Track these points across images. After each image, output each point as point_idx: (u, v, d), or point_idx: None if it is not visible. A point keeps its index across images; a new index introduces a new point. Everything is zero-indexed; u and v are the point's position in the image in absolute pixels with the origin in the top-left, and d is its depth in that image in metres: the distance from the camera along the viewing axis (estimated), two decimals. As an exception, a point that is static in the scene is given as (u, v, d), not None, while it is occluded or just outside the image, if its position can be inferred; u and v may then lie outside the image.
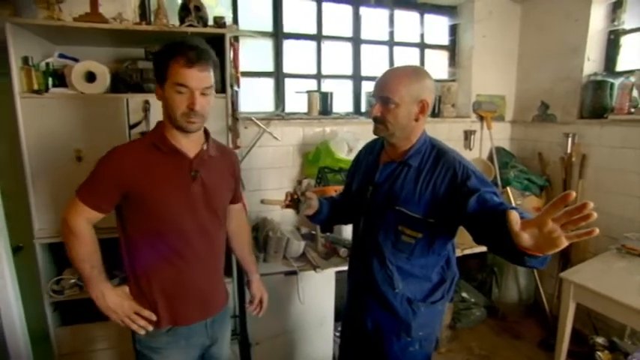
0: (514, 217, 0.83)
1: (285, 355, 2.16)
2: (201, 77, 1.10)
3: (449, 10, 2.99)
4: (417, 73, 1.23)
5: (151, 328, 1.20)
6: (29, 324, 1.72)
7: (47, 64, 1.73)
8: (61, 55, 1.83)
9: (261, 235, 2.17)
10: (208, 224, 1.24)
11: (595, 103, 2.47)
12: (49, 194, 1.72)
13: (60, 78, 1.75)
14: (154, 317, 1.20)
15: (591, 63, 2.54)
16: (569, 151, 2.60)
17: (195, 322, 1.26)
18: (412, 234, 1.25)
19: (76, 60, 1.82)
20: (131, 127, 1.75)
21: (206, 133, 1.27)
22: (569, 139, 2.58)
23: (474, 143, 2.95)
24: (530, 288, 2.83)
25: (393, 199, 1.26)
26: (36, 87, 1.65)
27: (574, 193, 0.80)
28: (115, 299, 1.18)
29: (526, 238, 0.83)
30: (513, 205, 2.47)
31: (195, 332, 1.27)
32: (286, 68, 2.62)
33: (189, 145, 1.20)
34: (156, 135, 1.19)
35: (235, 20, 2.44)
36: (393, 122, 1.21)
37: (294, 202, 1.39)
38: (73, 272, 1.88)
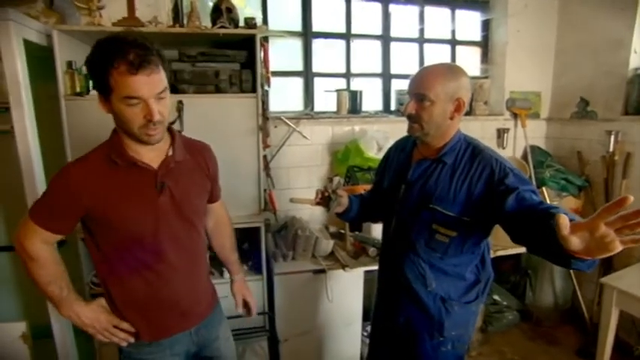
0: (563, 221, 0.78)
1: (313, 353, 2.17)
2: (152, 82, 0.94)
3: (481, 5, 2.90)
4: (453, 70, 1.21)
5: (132, 339, 1.14)
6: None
7: (88, 68, 1.81)
8: (101, 59, 1.91)
9: (290, 234, 2.19)
10: (182, 234, 1.14)
11: (641, 99, 2.33)
12: (90, 192, 1.80)
13: (100, 81, 1.83)
14: (132, 329, 1.14)
15: (638, 56, 2.39)
16: (611, 149, 2.46)
17: (176, 333, 1.19)
18: (446, 232, 1.23)
19: (114, 63, 1.89)
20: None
21: (172, 134, 1.14)
22: (612, 137, 2.45)
23: (507, 142, 2.85)
24: (567, 292, 2.70)
25: (426, 197, 1.24)
26: (78, 89, 1.73)
27: (632, 198, 0.75)
28: (90, 315, 1.11)
29: (576, 242, 0.79)
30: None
31: (179, 341, 1.20)
32: (315, 67, 2.62)
33: (151, 154, 1.07)
34: (112, 147, 1.05)
35: (265, 20, 2.47)
36: (428, 120, 1.19)
37: (324, 199, 1.39)
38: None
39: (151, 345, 1.16)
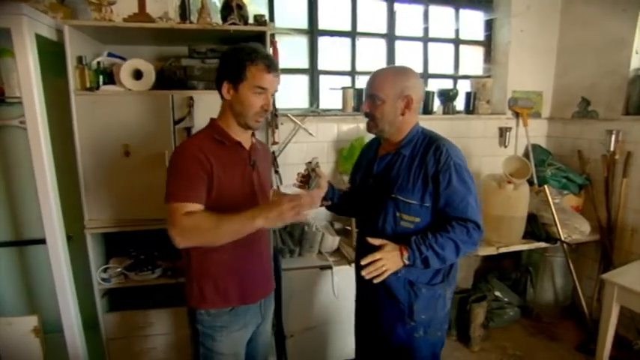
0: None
1: (319, 348, 2.19)
2: (276, 82, 1.25)
3: (485, 5, 2.92)
4: (401, 72, 1.34)
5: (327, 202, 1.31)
6: (81, 309, 1.82)
7: (98, 63, 1.82)
8: (110, 54, 1.91)
9: (297, 230, 2.21)
10: None
11: (643, 99, 2.37)
12: (100, 187, 1.81)
13: (109, 76, 1.84)
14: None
15: (639, 56, 2.43)
16: (612, 148, 2.50)
17: (260, 299, 1.37)
18: (410, 219, 1.34)
19: (123, 59, 1.90)
20: (176, 122, 1.81)
21: None
22: (613, 136, 2.48)
23: (509, 140, 2.88)
24: (567, 289, 2.74)
25: (389, 187, 1.35)
26: (88, 85, 1.74)
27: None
28: (269, 206, 1.10)
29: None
30: (552, 201, 2.41)
31: (252, 311, 1.36)
32: (321, 65, 2.64)
33: (244, 138, 1.31)
34: (214, 131, 1.26)
35: (271, 18, 2.48)
36: (381, 118, 1.33)
37: (305, 178, 1.48)
38: (120, 261, 1.98)
39: (230, 313, 1.30)
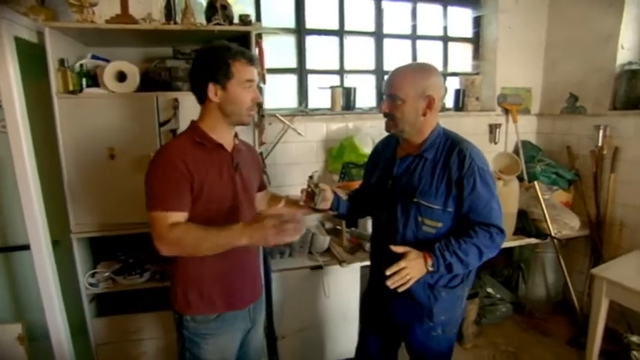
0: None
1: (310, 349, 2.19)
2: (257, 73, 1.25)
3: (472, 2, 2.92)
4: (422, 69, 1.29)
5: (303, 230, 1.14)
6: (68, 315, 1.80)
7: (81, 66, 1.79)
8: (94, 57, 1.89)
9: (287, 231, 2.19)
10: (246, 211, 1.32)
11: (629, 94, 2.38)
12: (85, 191, 1.79)
13: (93, 78, 1.82)
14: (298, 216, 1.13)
15: (625, 51, 2.44)
16: (600, 143, 2.51)
17: (247, 305, 1.34)
18: (432, 224, 1.31)
19: (107, 61, 1.88)
20: (161, 124, 1.79)
21: None
22: (601, 132, 2.49)
23: (499, 137, 2.89)
24: (558, 284, 2.76)
25: (411, 191, 1.31)
26: (71, 88, 1.71)
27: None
28: (255, 226, 1.09)
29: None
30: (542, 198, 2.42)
31: (240, 317, 1.34)
32: (309, 64, 2.62)
33: (227, 139, 1.28)
34: (197, 133, 1.24)
35: (258, 17, 2.46)
36: (401, 118, 1.27)
37: (309, 195, 1.44)
38: (108, 266, 1.96)
39: (216, 320, 1.27)
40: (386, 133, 1.52)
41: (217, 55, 1.19)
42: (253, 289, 1.40)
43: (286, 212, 1.47)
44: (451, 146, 1.29)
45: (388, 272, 1.20)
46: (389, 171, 1.40)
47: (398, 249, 1.24)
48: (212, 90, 1.19)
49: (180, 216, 1.14)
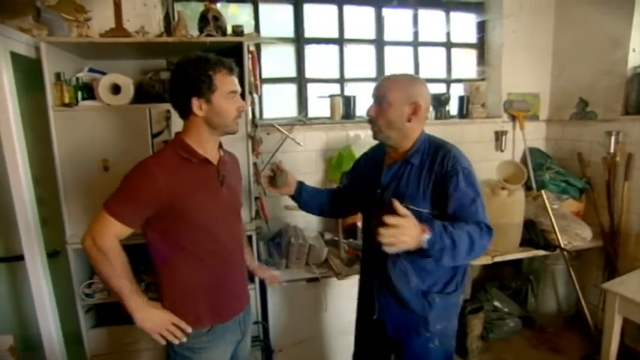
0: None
1: (308, 363, 2.14)
2: (237, 83, 1.24)
3: (476, 7, 2.87)
4: (410, 78, 1.36)
5: (184, 339, 1.21)
6: (63, 326, 1.80)
7: (77, 79, 1.82)
8: (91, 70, 1.92)
9: (284, 242, 2.17)
10: (233, 223, 1.33)
11: (642, 98, 2.28)
12: (80, 202, 1.80)
13: (89, 91, 1.84)
14: (189, 329, 1.21)
15: (637, 54, 2.34)
16: (612, 150, 2.40)
17: (234, 317, 1.33)
18: None
19: (103, 73, 1.90)
20: (154, 136, 1.80)
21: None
22: (613, 138, 2.39)
23: (505, 144, 2.80)
24: (570, 298, 2.63)
25: (399, 197, 1.28)
26: (67, 100, 1.73)
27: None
28: (154, 312, 1.19)
29: None
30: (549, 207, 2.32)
31: (231, 329, 1.33)
32: (308, 73, 2.61)
33: (212, 152, 1.27)
34: (179, 147, 1.22)
35: (257, 27, 2.47)
36: (386, 122, 1.30)
37: (272, 178, 1.52)
38: (103, 277, 1.96)
39: (207, 334, 1.26)
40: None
41: (197, 68, 1.17)
42: (240, 299, 1.39)
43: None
44: (435, 150, 1.32)
45: (387, 221, 1.07)
46: (377, 180, 1.40)
47: (399, 208, 1.12)
48: (196, 104, 1.17)
49: (125, 230, 1.16)
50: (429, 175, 1.29)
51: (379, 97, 1.31)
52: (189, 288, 1.24)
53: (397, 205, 1.13)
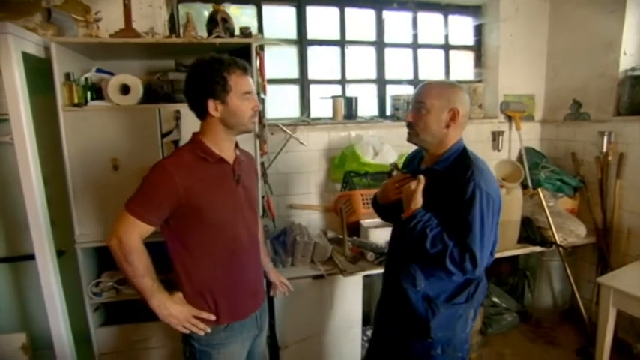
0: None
1: (313, 358, 2.17)
2: (252, 82, 1.27)
3: (473, 10, 2.94)
4: (451, 85, 1.34)
5: (209, 329, 1.25)
6: (72, 324, 1.81)
7: (86, 79, 1.83)
8: (99, 70, 1.93)
9: (289, 240, 2.20)
10: (250, 222, 1.35)
11: (633, 99, 2.36)
12: (89, 202, 1.82)
13: (98, 91, 1.85)
14: (212, 317, 1.26)
15: (628, 57, 2.43)
16: (605, 150, 2.49)
17: (250, 314, 1.36)
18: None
19: (112, 74, 1.92)
20: (163, 135, 1.82)
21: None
22: (605, 138, 2.47)
23: (502, 144, 2.88)
24: (565, 293, 2.72)
25: (426, 202, 1.29)
26: (76, 100, 1.75)
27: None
28: (176, 307, 1.22)
29: None
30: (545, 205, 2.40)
31: (248, 325, 1.36)
32: (311, 74, 2.65)
33: (229, 152, 1.30)
34: (197, 147, 1.25)
35: (260, 29, 2.50)
36: (424, 127, 1.29)
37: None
38: (112, 275, 1.97)
39: (225, 330, 1.29)
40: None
41: (212, 69, 1.19)
42: (256, 295, 1.41)
43: None
44: (462, 162, 1.27)
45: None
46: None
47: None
48: (212, 106, 1.20)
49: (148, 229, 1.18)
50: (449, 186, 1.25)
51: (418, 103, 1.31)
52: (206, 285, 1.27)
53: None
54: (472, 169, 1.23)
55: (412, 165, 1.51)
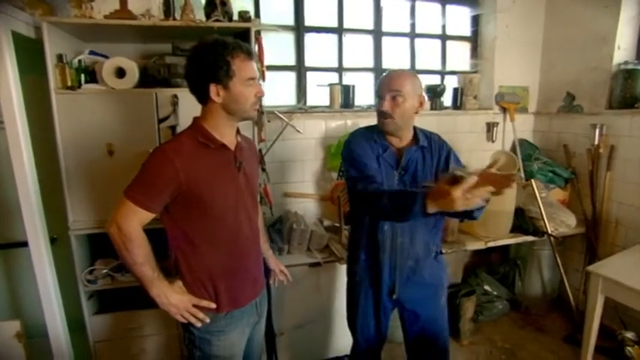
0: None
1: (309, 346, 2.20)
2: (256, 68, 1.22)
3: (471, 1, 2.93)
4: (414, 74, 1.47)
5: (208, 320, 1.24)
6: (66, 312, 1.79)
7: (79, 62, 1.78)
8: (92, 52, 1.88)
9: (285, 228, 2.20)
10: (251, 209, 1.33)
11: (625, 93, 2.40)
12: (83, 187, 1.78)
13: (91, 74, 1.80)
14: (212, 305, 1.24)
15: (622, 52, 2.46)
16: (596, 142, 2.54)
17: (250, 301, 1.35)
18: None
19: (105, 57, 1.87)
20: (160, 121, 1.79)
21: None
22: (597, 130, 2.52)
23: (496, 135, 2.90)
24: (554, 281, 2.79)
25: (416, 178, 1.45)
26: (69, 83, 1.70)
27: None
28: (176, 296, 1.20)
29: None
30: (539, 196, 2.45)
31: (247, 313, 1.35)
32: (308, 62, 2.62)
33: (230, 138, 1.27)
34: (198, 132, 1.21)
35: (257, 14, 2.45)
36: (401, 115, 1.39)
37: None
38: (106, 263, 1.95)
39: (225, 317, 1.28)
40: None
41: (215, 53, 1.14)
42: (256, 284, 1.39)
43: None
44: (430, 136, 1.53)
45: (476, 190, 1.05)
46: (393, 163, 1.47)
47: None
48: (214, 91, 1.16)
49: (148, 215, 1.15)
50: (436, 157, 1.48)
51: (395, 91, 1.38)
52: (206, 273, 1.25)
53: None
54: (438, 136, 1.54)
55: (377, 144, 1.46)
